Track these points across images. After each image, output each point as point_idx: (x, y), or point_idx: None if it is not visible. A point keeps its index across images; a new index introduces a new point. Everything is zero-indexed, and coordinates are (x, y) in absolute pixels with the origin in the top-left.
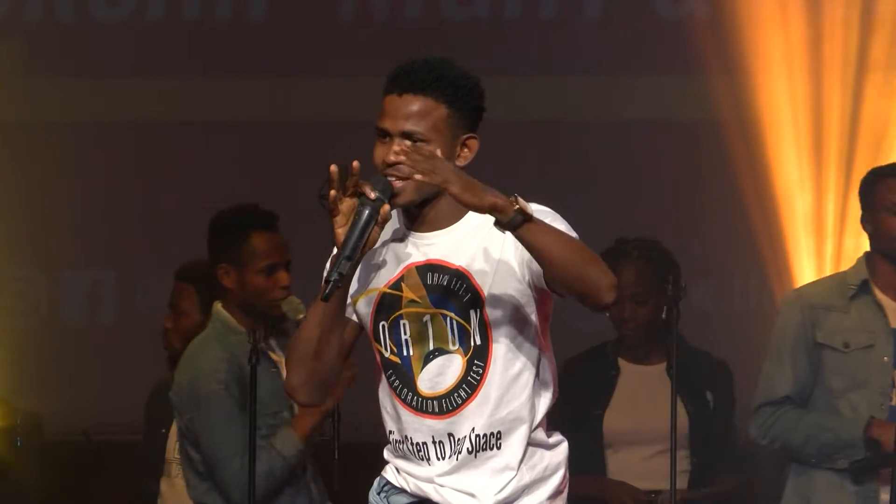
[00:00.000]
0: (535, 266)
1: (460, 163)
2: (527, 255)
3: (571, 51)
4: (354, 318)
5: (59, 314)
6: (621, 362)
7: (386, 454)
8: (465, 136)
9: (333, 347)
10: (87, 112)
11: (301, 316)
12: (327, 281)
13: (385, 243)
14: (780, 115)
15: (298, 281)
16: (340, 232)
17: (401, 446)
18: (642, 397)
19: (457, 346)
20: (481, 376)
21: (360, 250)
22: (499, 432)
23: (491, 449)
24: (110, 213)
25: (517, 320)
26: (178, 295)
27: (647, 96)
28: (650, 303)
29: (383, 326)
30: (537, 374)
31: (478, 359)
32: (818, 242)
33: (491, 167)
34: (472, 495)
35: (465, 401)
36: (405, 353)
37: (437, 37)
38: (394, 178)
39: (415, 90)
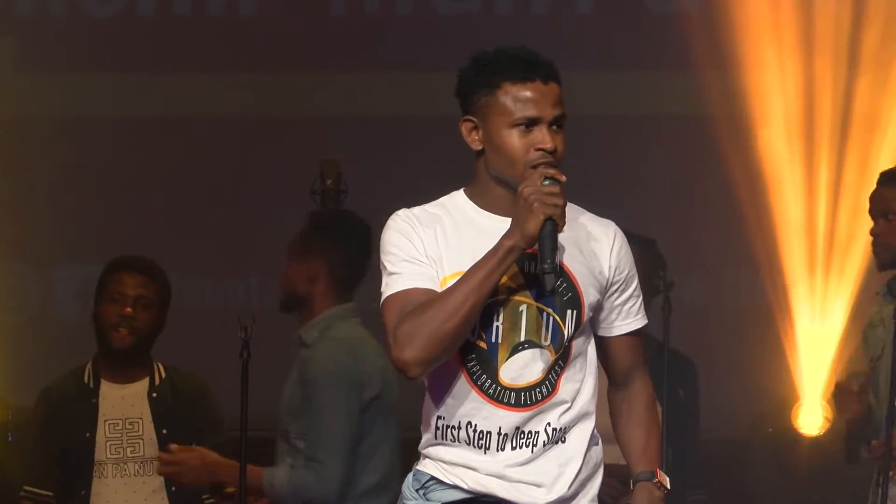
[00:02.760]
0: (609, 294)
1: None
2: (613, 275)
3: (563, 46)
4: None
5: (50, 310)
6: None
7: (425, 447)
8: None
9: (467, 332)
10: (79, 108)
11: None
12: (545, 272)
13: (474, 224)
14: (771, 110)
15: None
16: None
17: (454, 432)
18: None
19: (548, 343)
20: (559, 375)
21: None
22: (568, 426)
23: (558, 443)
24: (102, 209)
25: (587, 328)
26: None
27: (639, 92)
28: None
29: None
30: (598, 374)
31: (562, 358)
32: (809, 237)
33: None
34: (539, 486)
35: (545, 397)
36: (493, 340)
37: (428, 32)
38: (552, 168)
39: (554, 78)
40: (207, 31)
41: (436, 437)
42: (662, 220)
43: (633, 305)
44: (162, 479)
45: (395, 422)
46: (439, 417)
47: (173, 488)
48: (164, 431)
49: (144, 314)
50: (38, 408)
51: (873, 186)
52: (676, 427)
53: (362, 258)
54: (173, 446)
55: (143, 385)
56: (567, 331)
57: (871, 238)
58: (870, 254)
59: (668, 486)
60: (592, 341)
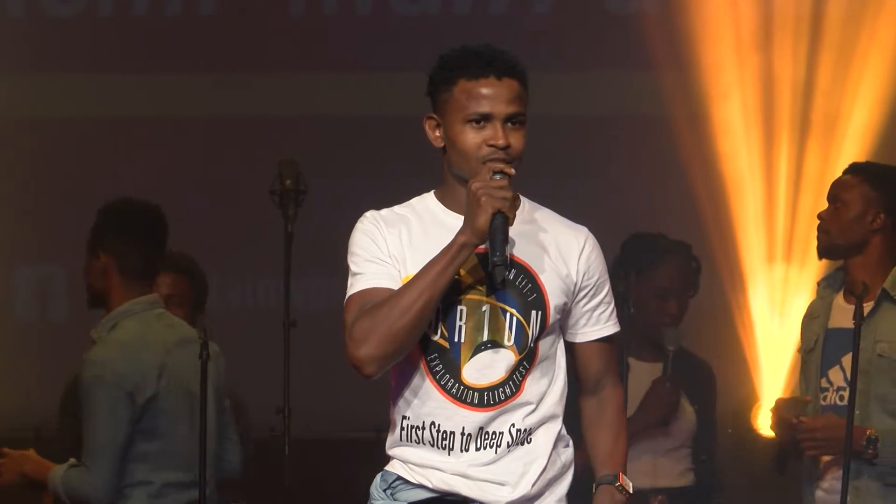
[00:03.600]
0: (578, 300)
1: None
2: (582, 280)
3: (521, 46)
4: None
5: (9, 309)
6: (630, 360)
7: (391, 448)
8: None
9: (422, 329)
10: (39, 108)
11: None
12: (495, 265)
13: (441, 224)
14: (730, 108)
15: (248, 273)
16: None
17: (418, 433)
18: None
19: (511, 343)
20: (524, 376)
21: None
22: (533, 427)
23: (523, 443)
24: (61, 209)
25: (558, 327)
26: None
27: (597, 92)
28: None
29: (437, 309)
30: (565, 379)
31: (527, 359)
32: (769, 235)
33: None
34: (503, 484)
35: (508, 398)
36: (456, 339)
37: (387, 32)
38: (503, 162)
39: (511, 74)
40: (166, 31)
41: (401, 439)
42: (621, 220)
43: (604, 312)
44: None
45: (220, 419)
46: (404, 418)
47: None
48: None
49: (177, 313)
50: (65, 395)
51: (834, 178)
52: (707, 428)
53: (151, 247)
54: (3, 449)
55: None
56: (531, 332)
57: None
58: None
59: (631, 491)
60: (562, 345)
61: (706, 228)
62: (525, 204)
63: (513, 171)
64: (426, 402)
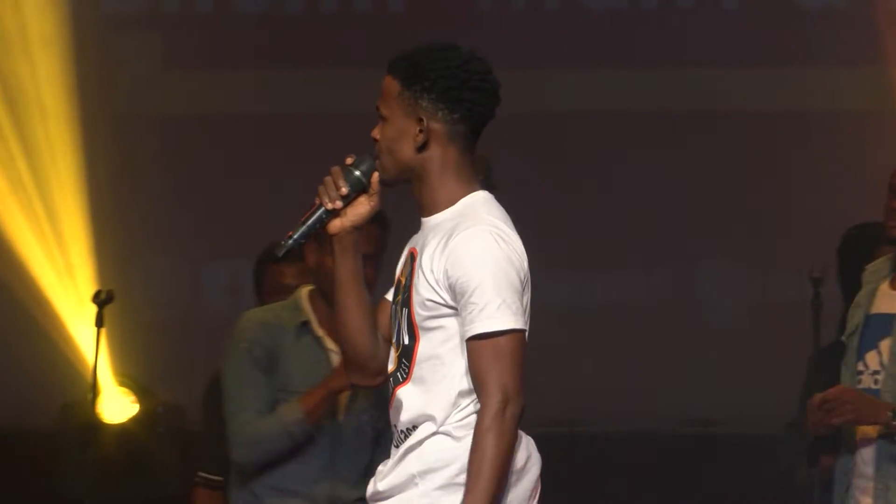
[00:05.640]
0: (458, 296)
1: (415, 143)
2: (446, 279)
3: (711, 40)
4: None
5: (199, 305)
6: None
7: None
8: (420, 117)
9: (357, 328)
10: (226, 104)
11: None
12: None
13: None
14: None
15: None
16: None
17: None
18: None
19: (394, 340)
20: (406, 375)
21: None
22: (415, 426)
23: (405, 440)
24: (250, 204)
25: (444, 328)
26: None
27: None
28: None
29: (394, 310)
30: (464, 379)
31: (405, 357)
32: None
33: (546, 156)
34: (376, 478)
35: (390, 394)
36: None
37: (577, 26)
38: (370, 154)
39: (388, 70)
40: (353, 27)
41: None
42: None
43: (470, 312)
44: None
45: None
46: None
47: None
48: None
49: None
50: (209, 394)
51: None
52: None
53: None
54: None
55: None
56: (401, 328)
57: None
58: None
59: None
60: (460, 347)
61: None
62: (466, 200)
63: (349, 159)
64: None
